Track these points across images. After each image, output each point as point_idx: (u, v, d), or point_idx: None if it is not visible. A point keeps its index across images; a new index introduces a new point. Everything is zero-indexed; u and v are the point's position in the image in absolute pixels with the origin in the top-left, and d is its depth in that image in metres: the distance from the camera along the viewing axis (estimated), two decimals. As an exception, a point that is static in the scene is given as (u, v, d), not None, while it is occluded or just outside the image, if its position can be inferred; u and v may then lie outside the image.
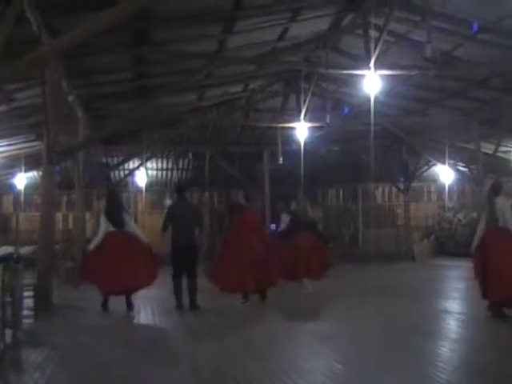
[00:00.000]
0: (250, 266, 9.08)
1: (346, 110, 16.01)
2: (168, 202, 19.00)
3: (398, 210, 21.49)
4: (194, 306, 8.79)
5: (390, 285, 11.83)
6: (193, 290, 8.85)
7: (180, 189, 9.72)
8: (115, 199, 9.46)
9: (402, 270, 16.24)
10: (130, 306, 9.00)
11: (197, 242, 9.11)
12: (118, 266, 8.51)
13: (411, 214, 20.86)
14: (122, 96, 13.31)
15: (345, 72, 12.29)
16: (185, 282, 8.92)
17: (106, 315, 8.75)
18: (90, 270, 8.89)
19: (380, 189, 21.84)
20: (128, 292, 8.97)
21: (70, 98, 11.39)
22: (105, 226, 9.01)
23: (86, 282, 9.49)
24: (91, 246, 9.19)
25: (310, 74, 14.04)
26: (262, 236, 9.78)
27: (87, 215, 16.42)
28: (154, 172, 20.58)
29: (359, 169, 18.98)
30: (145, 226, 16.92)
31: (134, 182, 19.41)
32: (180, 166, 20.72)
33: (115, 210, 9.10)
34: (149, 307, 9.42)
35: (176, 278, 8.88)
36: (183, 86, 12.91)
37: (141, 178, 18.48)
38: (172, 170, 20.72)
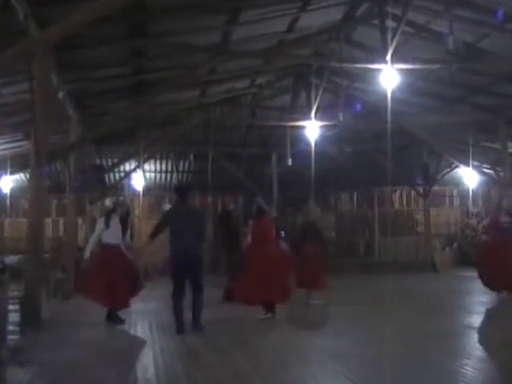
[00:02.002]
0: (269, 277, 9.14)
1: (358, 106, 15.94)
2: (167, 206, 18.97)
3: (418, 216, 21.38)
4: (196, 326, 8.31)
5: (408, 298, 11.74)
6: (197, 308, 8.34)
7: (181, 190, 9.10)
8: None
9: (421, 281, 16.14)
10: (117, 319, 9.07)
11: (200, 254, 8.52)
12: (114, 281, 8.78)
13: (432, 220, 20.75)
14: (118, 92, 13.30)
15: (359, 66, 12.23)
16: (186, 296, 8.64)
17: (96, 330, 8.69)
18: (88, 284, 8.96)
19: (398, 193, 21.75)
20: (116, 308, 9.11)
21: (61, 94, 11.36)
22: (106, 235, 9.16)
23: (81, 295, 9.44)
24: (86, 254, 9.21)
25: (322, 68, 14.01)
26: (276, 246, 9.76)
27: (79, 221, 16.41)
28: (152, 174, 20.57)
29: (375, 171, 18.90)
30: (141, 233, 16.90)
31: (130, 186, 19.35)
32: (180, 169, 20.71)
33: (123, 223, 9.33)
34: (146, 322, 9.36)
35: (175, 296, 8.25)
36: (184, 82, 12.85)
37: (138, 181, 18.42)
38: (172, 172, 20.70)
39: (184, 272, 8.24)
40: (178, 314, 8.23)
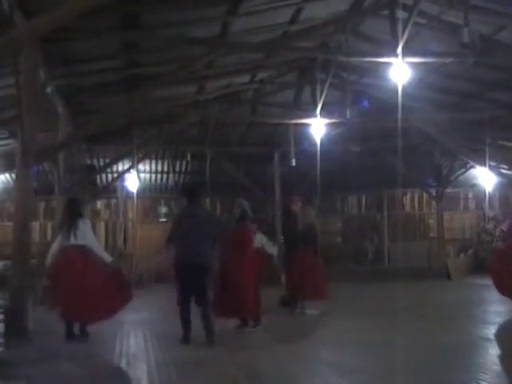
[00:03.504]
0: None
1: (367, 103, 15.93)
2: (163, 209, 18.97)
3: (430, 220, 21.41)
4: (210, 338, 8.11)
5: (420, 307, 11.74)
6: (207, 319, 8.15)
7: (190, 192, 8.69)
8: (72, 206, 9.27)
9: (434, 289, 16.11)
10: (84, 333, 8.89)
11: (209, 262, 8.22)
12: (76, 291, 8.52)
13: (445, 224, 20.75)
14: (110, 88, 13.29)
15: (368, 60, 12.24)
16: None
17: (89, 342, 8.67)
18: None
19: (409, 195, 21.77)
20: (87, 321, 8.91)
21: (49, 90, 11.36)
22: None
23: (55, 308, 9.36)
24: (48, 261, 9.05)
25: (328, 62, 13.97)
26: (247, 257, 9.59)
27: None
28: (147, 175, 20.60)
29: (384, 172, 18.91)
30: (136, 238, 16.90)
31: (123, 187, 19.38)
32: (177, 169, 20.72)
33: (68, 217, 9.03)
34: (140, 332, 9.34)
35: (183, 303, 8.16)
36: (180, 77, 12.81)
37: (131, 183, 18.45)
38: (168, 173, 20.74)
39: (189, 281, 8.07)
40: (185, 321, 8.15)
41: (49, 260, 9.04)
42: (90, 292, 8.59)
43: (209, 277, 8.21)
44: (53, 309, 9.25)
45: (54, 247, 9.03)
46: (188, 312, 8.17)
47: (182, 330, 8.17)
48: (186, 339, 8.12)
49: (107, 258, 8.97)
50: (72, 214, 9.00)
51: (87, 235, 8.90)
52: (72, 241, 8.75)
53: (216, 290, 8.69)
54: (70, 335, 8.74)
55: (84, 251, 8.79)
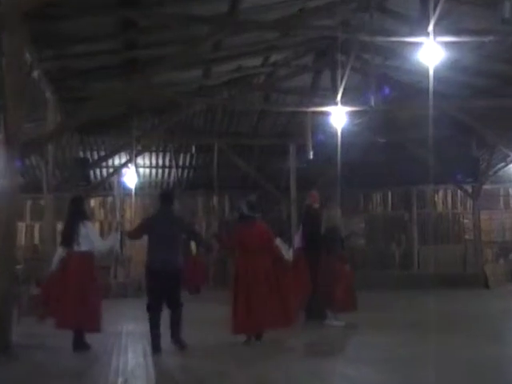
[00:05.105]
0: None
1: (393, 89, 15.81)
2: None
3: (465, 221, 21.28)
4: (178, 342, 8.70)
5: (454, 319, 11.66)
6: (176, 324, 8.76)
7: (165, 196, 9.47)
8: (76, 207, 9.40)
9: (470, 299, 16.04)
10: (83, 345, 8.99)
11: (180, 266, 8.96)
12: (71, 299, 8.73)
13: (482, 225, 20.62)
14: (105, 72, 13.32)
15: (395, 40, 12.20)
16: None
17: (79, 357, 8.65)
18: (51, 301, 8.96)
19: (441, 192, 21.66)
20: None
21: (36, 74, 11.36)
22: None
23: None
24: (53, 267, 9.17)
25: (349, 42, 13.95)
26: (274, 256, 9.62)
27: (59, 226, 16.41)
28: (147, 170, 20.64)
29: (413, 166, 18.82)
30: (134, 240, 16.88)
31: (120, 183, 19.40)
32: (180, 163, 20.73)
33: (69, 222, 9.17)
34: (139, 346, 9.33)
35: (152, 310, 8.71)
36: (185, 60, 12.82)
37: (129, 178, 18.48)
38: (170, 167, 20.78)
39: (160, 286, 8.68)
40: (154, 329, 8.62)
41: (53, 267, 9.16)
42: (90, 300, 8.88)
43: (180, 280, 9.01)
44: (42, 320, 9.27)
45: (58, 254, 9.17)
46: (158, 320, 8.66)
47: (150, 339, 8.62)
48: (157, 347, 8.55)
49: (114, 241, 9.64)
50: (74, 218, 9.16)
51: (90, 239, 9.06)
52: (75, 248, 8.96)
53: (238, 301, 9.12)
54: (77, 346, 8.84)
55: (88, 259, 9.03)
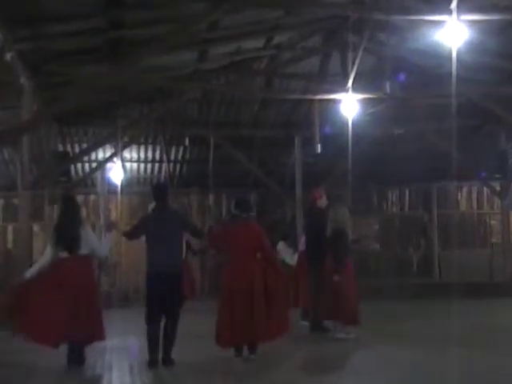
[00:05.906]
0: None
1: (402, 76, 15.79)
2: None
3: (493, 222, 21.29)
4: (167, 358, 8.74)
5: (481, 331, 11.68)
6: (170, 340, 8.78)
7: (159, 190, 9.65)
8: (73, 208, 9.39)
9: (498, 309, 16.00)
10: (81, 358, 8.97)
11: (182, 268, 9.17)
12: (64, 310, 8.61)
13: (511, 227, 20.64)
14: (88, 54, 13.32)
15: (413, 18, 12.17)
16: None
17: (63, 377, 8.63)
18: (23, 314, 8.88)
19: (465, 190, 21.70)
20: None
21: (9, 56, 11.33)
22: (52, 250, 8.99)
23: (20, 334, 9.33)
24: (27, 275, 9.12)
25: (362, 21, 13.95)
26: (270, 260, 9.60)
27: (35, 228, 16.44)
28: (135, 165, 20.65)
29: (434, 161, 18.84)
30: (120, 242, 16.87)
31: (104, 180, 19.39)
32: (172, 157, 20.73)
33: (70, 224, 9.06)
34: (125, 363, 9.31)
35: (151, 323, 8.75)
36: (177, 41, 12.81)
37: (115, 174, 18.47)
38: (160, 162, 20.77)
39: (160, 292, 8.74)
40: (153, 342, 8.69)
41: (28, 274, 9.12)
42: (95, 307, 8.95)
43: (181, 284, 9.13)
44: (17, 333, 9.24)
45: (44, 259, 9.12)
46: (157, 333, 8.73)
47: (148, 353, 8.67)
48: (154, 362, 8.67)
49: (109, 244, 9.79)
50: (72, 219, 9.15)
51: (90, 242, 9.09)
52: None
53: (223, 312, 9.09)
54: (74, 359, 8.84)
55: (88, 263, 9.16)
